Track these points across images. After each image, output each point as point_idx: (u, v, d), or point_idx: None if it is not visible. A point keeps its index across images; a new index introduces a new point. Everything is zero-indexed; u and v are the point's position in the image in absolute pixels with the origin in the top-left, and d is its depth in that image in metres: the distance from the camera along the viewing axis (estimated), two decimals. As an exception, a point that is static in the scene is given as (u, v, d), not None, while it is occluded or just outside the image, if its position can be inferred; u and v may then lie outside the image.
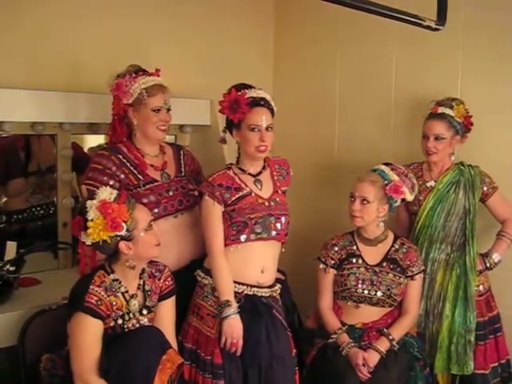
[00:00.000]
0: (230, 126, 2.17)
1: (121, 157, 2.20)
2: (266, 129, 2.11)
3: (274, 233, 2.14)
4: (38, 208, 2.92)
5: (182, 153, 2.42)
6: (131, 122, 2.24)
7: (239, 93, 2.11)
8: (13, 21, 2.44)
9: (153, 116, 2.20)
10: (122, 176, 2.16)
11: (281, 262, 2.29)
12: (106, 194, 1.86)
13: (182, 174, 2.35)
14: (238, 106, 2.10)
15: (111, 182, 2.11)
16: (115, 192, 1.89)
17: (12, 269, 2.25)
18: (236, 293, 2.08)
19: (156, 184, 2.22)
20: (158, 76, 2.25)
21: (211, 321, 2.09)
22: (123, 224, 1.83)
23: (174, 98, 2.28)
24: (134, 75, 2.19)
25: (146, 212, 1.95)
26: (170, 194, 2.23)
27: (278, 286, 2.24)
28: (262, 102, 2.12)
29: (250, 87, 2.15)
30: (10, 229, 2.91)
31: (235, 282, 2.09)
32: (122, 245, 1.85)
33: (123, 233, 1.83)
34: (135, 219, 1.87)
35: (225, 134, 2.20)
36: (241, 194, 2.13)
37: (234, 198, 2.12)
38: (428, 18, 1.84)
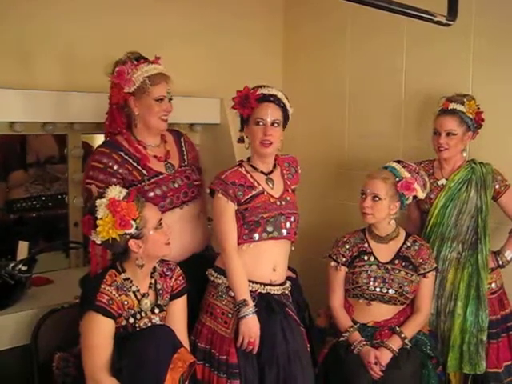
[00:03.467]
0: (242, 122, 2.18)
1: (122, 153, 2.15)
2: (272, 124, 2.10)
3: (284, 232, 2.14)
4: (37, 198, 2.93)
5: (182, 140, 2.39)
6: (132, 112, 2.18)
7: (252, 90, 2.12)
8: (20, 22, 2.45)
9: (155, 106, 2.15)
10: (126, 172, 2.13)
11: (291, 260, 2.28)
12: (115, 192, 1.86)
13: (185, 162, 2.31)
14: (247, 101, 2.11)
15: (113, 181, 2.07)
16: (124, 191, 1.88)
17: (24, 268, 2.26)
18: (250, 291, 2.08)
19: (161, 177, 2.18)
20: (159, 64, 2.19)
21: (226, 320, 2.09)
22: (132, 222, 1.83)
23: (184, 97, 2.29)
24: (135, 62, 2.12)
25: (155, 210, 1.95)
26: (176, 185, 2.20)
27: (288, 282, 2.24)
28: (272, 99, 2.12)
29: (265, 87, 2.15)
30: (22, 228, 2.94)
31: (249, 281, 2.09)
32: (132, 243, 1.86)
33: (132, 231, 1.84)
34: (144, 217, 1.87)
35: (242, 134, 2.20)
36: (254, 192, 2.13)
37: (247, 197, 2.12)
38: (439, 14, 1.82)
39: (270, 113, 2.10)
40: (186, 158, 2.33)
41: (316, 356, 2.37)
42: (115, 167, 2.12)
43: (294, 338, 2.10)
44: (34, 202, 2.94)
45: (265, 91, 2.13)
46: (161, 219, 1.94)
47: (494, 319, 2.49)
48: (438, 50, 2.79)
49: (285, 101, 2.16)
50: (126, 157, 2.16)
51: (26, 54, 2.48)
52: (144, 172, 2.16)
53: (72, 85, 2.55)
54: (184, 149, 2.36)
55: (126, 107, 2.18)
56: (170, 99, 2.21)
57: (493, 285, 2.52)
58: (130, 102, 2.15)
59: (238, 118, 2.20)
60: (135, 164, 2.16)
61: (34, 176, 2.95)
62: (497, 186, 2.50)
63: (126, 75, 2.11)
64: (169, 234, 1.95)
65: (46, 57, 2.52)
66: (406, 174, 2.36)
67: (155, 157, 2.21)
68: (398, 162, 2.43)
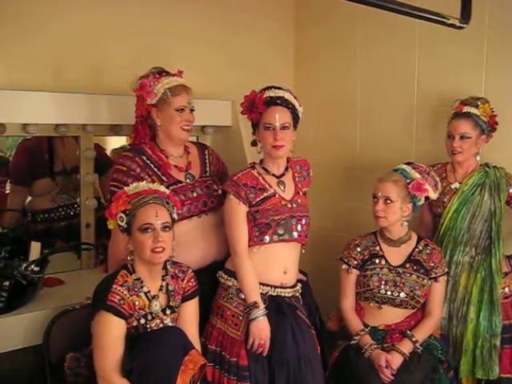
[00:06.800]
0: (253, 126, 2.18)
1: (144, 158, 2.19)
2: (282, 128, 2.09)
3: (295, 234, 2.14)
4: (65, 208, 2.96)
5: (207, 152, 2.42)
6: (154, 123, 2.23)
7: (259, 93, 2.12)
8: (35, 25, 2.48)
9: (177, 116, 2.20)
10: (146, 177, 2.15)
11: (302, 263, 2.28)
12: (142, 184, 1.94)
13: (207, 174, 2.34)
14: (254, 106, 2.11)
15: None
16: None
17: (36, 269, 2.27)
18: (260, 294, 2.08)
19: (180, 185, 2.21)
20: (181, 77, 2.26)
21: (236, 322, 2.09)
22: (121, 215, 1.88)
23: (195, 99, 2.29)
24: (157, 76, 2.20)
25: (149, 214, 1.87)
26: (194, 195, 2.23)
27: (299, 285, 2.24)
28: (279, 101, 2.11)
29: (275, 88, 2.14)
30: (36, 228, 2.96)
31: (259, 284, 2.09)
32: (126, 238, 1.90)
33: (123, 224, 1.88)
34: (135, 215, 1.87)
35: (255, 137, 2.20)
36: (265, 194, 2.13)
37: (258, 199, 2.12)
38: (452, 16, 1.81)
39: (279, 117, 2.09)
40: (208, 169, 2.36)
41: (327, 359, 2.37)
42: (137, 170, 2.16)
43: (305, 341, 2.09)
44: (61, 210, 2.95)
45: (272, 94, 2.12)
46: (149, 224, 1.87)
47: (507, 324, 2.46)
48: (451, 54, 2.76)
49: (293, 101, 2.14)
50: (148, 161, 2.19)
51: (38, 57, 2.50)
52: (164, 178, 2.18)
53: (84, 87, 2.56)
54: (207, 161, 2.38)
55: (149, 119, 2.24)
56: (192, 110, 2.25)
57: (506, 289, 2.49)
58: (152, 113, 2.21)
59: (249, 121, 2.20)
60: (156, 169, 2.19)
61: (61, 185, 2.97)
62: (510, 191, 2.47)
63: (148, 88, 2.18)
64: (164, 244, 1.86)
65: (56, 59, 2.54)
66: (417, 175, 2.35)
67: (176, 167, 2.24)
68: (408, 163, 2.42)
